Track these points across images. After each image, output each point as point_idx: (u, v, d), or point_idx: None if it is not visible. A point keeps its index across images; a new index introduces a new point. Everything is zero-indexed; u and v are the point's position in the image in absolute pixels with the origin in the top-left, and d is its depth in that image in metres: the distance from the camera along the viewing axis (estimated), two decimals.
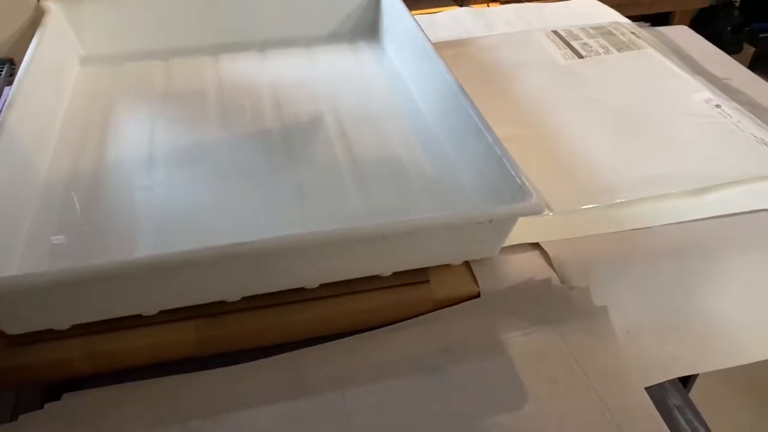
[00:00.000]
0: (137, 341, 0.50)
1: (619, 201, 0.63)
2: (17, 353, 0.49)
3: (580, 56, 0.89)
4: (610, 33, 0.95)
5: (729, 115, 0.76)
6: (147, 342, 0.50)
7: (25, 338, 0.49)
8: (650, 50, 0.90)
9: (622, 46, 0.91)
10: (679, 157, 0.69)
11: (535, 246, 0.59)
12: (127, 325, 0.51)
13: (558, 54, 0.89)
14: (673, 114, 0.77)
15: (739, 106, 0.78)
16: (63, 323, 0.50)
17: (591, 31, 0.95)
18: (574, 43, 0.91)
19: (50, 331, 0.50)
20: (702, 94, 0.80)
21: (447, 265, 0.56)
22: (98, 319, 0.50)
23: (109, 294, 0.48)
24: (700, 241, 0.60)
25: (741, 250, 0.60)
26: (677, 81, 0.84)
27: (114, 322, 0.50)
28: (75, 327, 0.50)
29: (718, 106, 0.78)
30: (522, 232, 0.58)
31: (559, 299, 0.55)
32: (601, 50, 0.90)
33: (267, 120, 0.73)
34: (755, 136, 0.72)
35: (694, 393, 0.77)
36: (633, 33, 0.95)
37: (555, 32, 0.95)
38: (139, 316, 0.51)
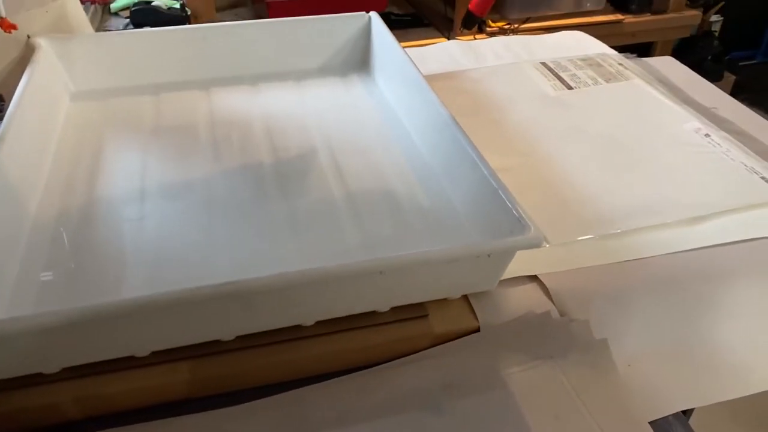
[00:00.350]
0: (129, 383, 0.49)
1: (614, 232, 0.63)
2: (5, 398, 0.47)
3: (570, 87, 0.90)
4: (598, 65, 0.96)
5: (718, 144, 0.77)
6: (140, 384, 0.49)
7: (13, 382, 0.48)
8: (638, 81, 0.91)
9: (610, 77, 0.92)
10: (671, 186, 0.70)
11: (534, 278, 0.58)
12: (119, 367, 0.49)
13: (547, 85, 0.90)
14: (664, 144, 0.77)
15: (727, 135, 0.79)
16: (52, 366, 0.48)
17: (579, 63, 0.97)
18: (563, 75, 0.93)
19: (39, 375, 0.48)
20: (691, 123, 0.81)
21: (445, 300, 0.56)
22: (89, 361, 0.49)
23: (99, 336, 0.47)
24: (698, 271, 0.60)
25: (740, 279, 0.60)
26: (666, 111, 0.85)
27: (105, 364, 0.49)
28: (65, 370, 0.48)
29: (707, 135, 0.79)
30: (519, 264, 0.58)
31: (559, 333, 0.54)
32: (590, 81, 0.91)
33: (259, 153, 0.72)
34: (745, 165, 0.73)
35: (693, 422, 0.76)
36: (620, 64, 0.96)
37: (544, 64, 0.96)
38: (131, 358, 0.50)
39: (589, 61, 0.97)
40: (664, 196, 0.68)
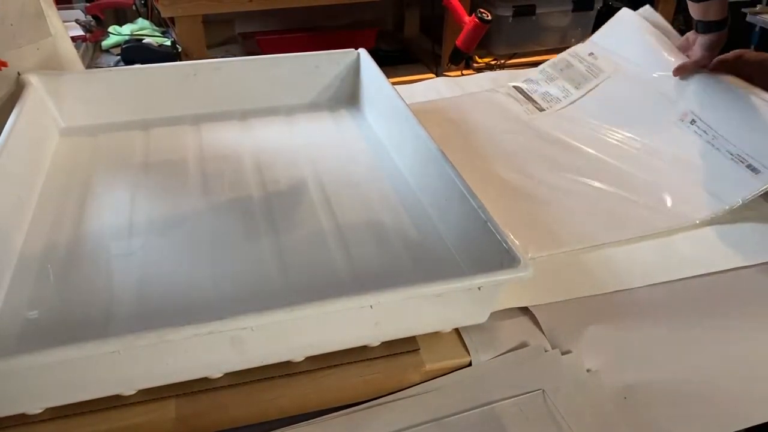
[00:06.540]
0: (115, 423, 0.48)
1: (597, 244, 0.65)
2: None
3: (541, 109, 0.91)
4: (569, 65, 0.97)
5: (704, 131, 0.77)
6: (126, 423, 0.48)
7: None
8: (610, 75, 0.92)
9: (581, 81, 0.93)
10: (657, 196, 0.72)
11: (525, 310, 0.58)
12: (104, 407, 0.48)
13: (521, 110, 0.92)
14: (647, 145, 0.79)
15: (713, 118, 0.78)
16: (35, 407, 0.47)
17: (549, 71, 0.98)
18: (534, 96, 0.94)
19: (22, 415, 0.47)
20: (676, 109, 0.81)
21: (437, 333, 0.55)
22: (73, 401, 0.47)
23: (84, 375, 0.46)
24: (687, 301, 0.60)
25: (733, 309, 0.60)
26: (647, 103, 0.85)
27: (90, 403, 0.48)
28: (48, 410, 0.47)
29: (693, 122, 0.79)
30: (509, 296, 0.58)
31: (550, 365, 0.54)
32: (561, 95, 0.93)
33: (248, 187, 0.72)
34: (731, 153, 0.73)
35: None
36: (591, 54, 0.97)
37: (516, 87, 0.98)
38: (116, 397, 0.49)
39: (560, 65, 0.98)
40: (650, 209, 0.70)
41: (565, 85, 0.94)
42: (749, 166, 0.71)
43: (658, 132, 0.81)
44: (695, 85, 0.82)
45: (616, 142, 0.83)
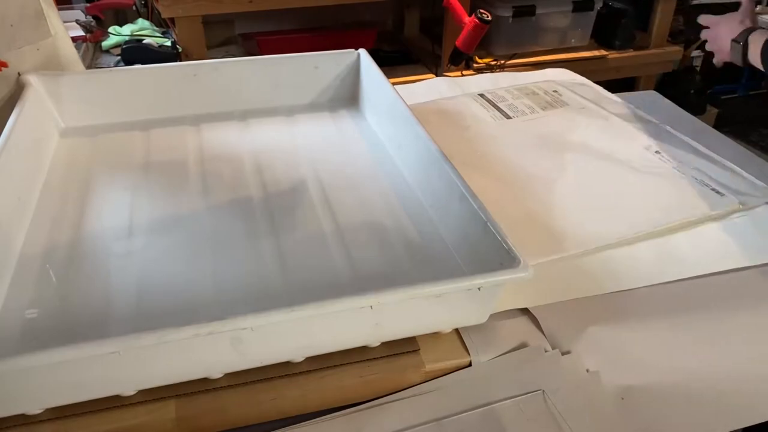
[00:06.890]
0: (115, 423, 0.48)
1: (581, 251, 0.65)
2: None
3: (508, 117, 0.93)
4: (534, 93, 1.00)
5: (669, 160, 0.81)
6: (126, 424, 0.48)
7: None
8: (576, 108, 0.95)
9: (546, 105, 0.96)
10: (628, 204, 0.73)
11: (525, 311, 0.58)
12: (104, 407, 0.48)
13: (487, 116, 0.93)
14: (615, 165, 0.80)
15: (678, 151, 0.83)
16: (35, 407, 0.47)
17: (515, 92, 1.00)
18: (500, 105, 0.96)
19: (22, 415, 0.47)
20: (640, 141, 0.85)
21: (437, 334, 0.55)
22: (72, 401, 0.47)
23: (84, 375, 0.46)
24: (683, 302, 0.60)
25: (726, 310, 0.60)
26: (613, 133, 0.88)
27: (90, 404, 0.48)
28: (48, 411, 0.47)
29: (657, 152, 0.83)
30: (509, 297, 0.58)
31: (550, 366, 0.54)
32: (527, 110, 0.94)
33: (248, 187, 0.72)
34: (696, 178, 0.77)
35: None
36: (555, 91, 1.00)
37: (482, 95, 0.99)
38: (116, 397, 0.49)
39: (525, 90, 1.01)
40: (623, 215, 0.70)
41: (530, 104, 0.96)
42: (713, 190, 0.75)
43: (625, 151, 0.84)
44: (652, 129, 0.89)
45: (586, 151, 0.84)
